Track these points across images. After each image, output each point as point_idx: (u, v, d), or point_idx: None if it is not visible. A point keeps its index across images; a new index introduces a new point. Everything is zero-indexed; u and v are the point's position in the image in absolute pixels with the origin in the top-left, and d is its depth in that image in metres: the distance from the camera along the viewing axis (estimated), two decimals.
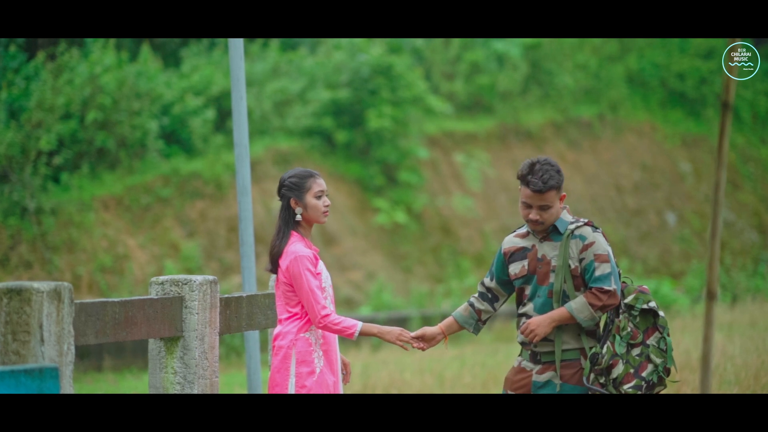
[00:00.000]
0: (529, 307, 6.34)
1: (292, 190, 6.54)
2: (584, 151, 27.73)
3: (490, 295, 6.57)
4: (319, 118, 23.38)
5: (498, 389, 11.50)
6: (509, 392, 6.39)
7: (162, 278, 6.34)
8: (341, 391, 6.57)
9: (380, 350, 17.32)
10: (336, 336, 6.56)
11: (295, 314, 6.44)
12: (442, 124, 25.79)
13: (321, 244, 21.41)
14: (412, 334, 6.57)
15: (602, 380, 6.20)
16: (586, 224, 6.35)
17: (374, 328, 6.49)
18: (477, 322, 6.60)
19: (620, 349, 6.20)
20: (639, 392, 6.16)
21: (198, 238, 20.42)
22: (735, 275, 25.23)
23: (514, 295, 6.67)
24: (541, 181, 6.26)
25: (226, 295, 6.72)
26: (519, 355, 6.45)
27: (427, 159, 24.69)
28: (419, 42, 26.64)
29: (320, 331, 6.46)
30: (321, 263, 6.53)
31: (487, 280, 6.58)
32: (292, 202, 6.53)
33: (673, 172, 28.88)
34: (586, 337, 6.28)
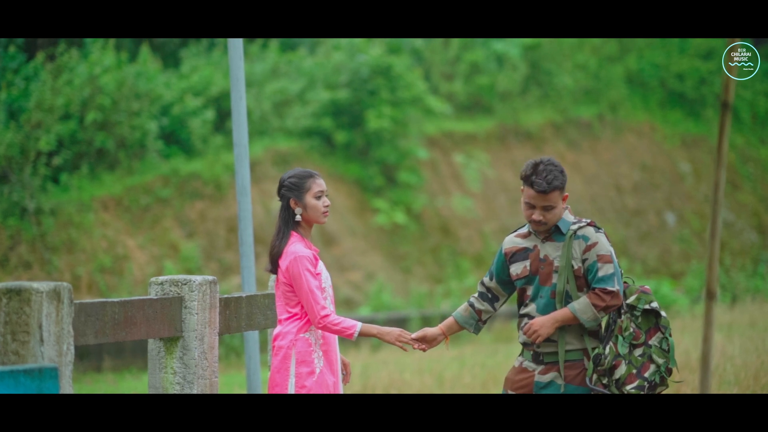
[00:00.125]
0: (531, 308, 6.32)
1: (291, 190, 6.53)
2: (584, 151, 27.74)
3: (490, 295, 6.56)
4: (319, 119, 23.38)
5: (498, 389, 11.50)
6: (509, 392, 6.37)
7: (161, 278, 6.34)
8: (341, 392, 6.57)
9: (380, 351, 17.32)
10: (336, 336, 6.56)
11: (295, 314, 6.44)
12: (442, 124, 25.79)
13: (320, 245, 21.40)
14: (413, 335, 6.57)
15: (605, 381, 6.18)
16: (588, 224, 6.33)
17: (374, 328, 6.49)
18: (477, 322, 6.59)
19: (623, 349, 6.19)
20: (641, 392, 6.16)
21: (197, 239, 20.41)
22: (734, 275, 25.23)
23: (514, 295, 6.65)
24: (545, 182, 6.23)
25: (226, 296, 6.72)
26: (520, 356, 6.42)
27: (426, 159, 24.69)
28: (419, 42, 26.64)
29: (320, 331, 6.45)
30: (321, 263, 6.52)
31: (486, 280, 6.56)
32: (292, 203, 6.53)
33: (672, 172, 28.88)
34: (588, 337, 6.27)
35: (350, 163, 23.68)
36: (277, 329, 6.49)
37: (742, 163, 29.82)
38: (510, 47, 27.40)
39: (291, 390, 6.39)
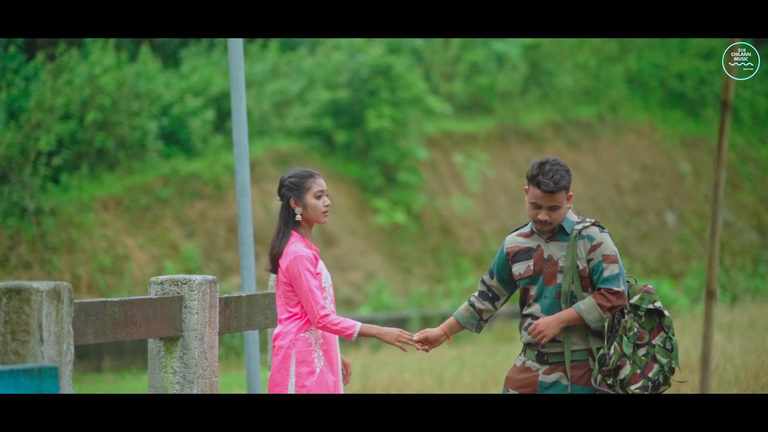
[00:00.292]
0: (535, 308, 6.29)
1: (291, 190, 6.53)
2: (584, 151, 27.74)
3: (490, 294, 6.53)
4: (319, 119, 23.38)
5: (498, 389, 11.49)
6: (511, 391, 6.34)
7: (161, 278, 6.34)
8: (341, 391, 6.56)
9: (380, 351, 17.32)
10: (336, 336, 6.56)
11: (295, 314, 6.44)
12: (442, 124, 25.80)
13: (320, 245, 21.40)
14: (415, 337, 6.55)
15: (610, 381, 6.16)
16: (593, 224, 6.30)
17: (373, 329, 6.49)
18: (479, 321, 6.58)
19: (627, 349, 6.17)
20: (646, 392, 6.15)
21: (197, 239, 20.41)
22: (734, 275, 25.23)
23: (514, 294, 6.64)
24: (552, 182, 6.20)
25: (226, 295, 6.72)
26: (522, 355, 6.38)
27: (426, 159, 24.69)
28: (418, 42, 26.64)
29: (320, 331, 6.45)
30: (321, 263, 6.52)
31: (487, 278, 6.53)
32: (292, 202, 6.53)
33: (672, 172, 28.88)
34: (593, 337, 6.24)
35: (350, 163, 23.68)
36: (278, 329, 6.49)
37: (742, 163, 29.82)
38: (510, 47, 27.40)
39: (291, 390, 6.39)
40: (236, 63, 8.45)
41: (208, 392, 6.34)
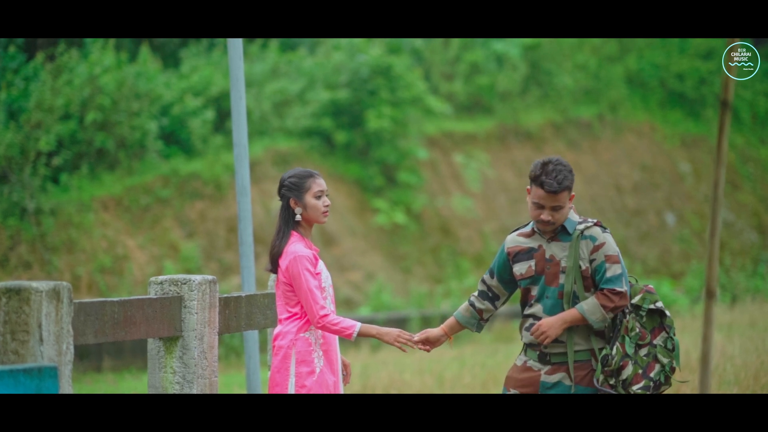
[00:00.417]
0: (537, 308, 6.28)
1: (291, 190, 6.53)
2: (584, 151, 27.74)
3: (490, 294, 6.52)
4: (319, 119, 23.38)
5: (498, 389, 11.49)
6: (512, 390, 6.31)
7: (161, 278, 6.34)
8: (341, 391, 6.56)
9: (380, 351, 17.32)
10: (336, 336, 6.56)
11: (295, 314, 6.44)
12: (442, 124, 25.80)
13: (320, 245, 21.40)
14: (416, 337, 6.55)
15: (612, 381, 6.16)
16: (595, 224, 6.29)
17: (373, 329, 6.49)
18: (479, 321, 6.57)
19: (630, 349, 6.17)
20: (647, 393, 6.14)
21: (197, 239, 20.42)
22: (734, 276, 25.22)
23: (515, 294, 6.63)
24: (556, 182, 6.18)
25: (225, 295, 6.72)
26: (523, 354, 6.36)
27: (426, 159, 24.69)
28: (418, 42, 26.64)
29: (320, 330, 6.45)
30: (321, 263, 6.52)
31: (487, 278, 6.52)
32: (292, 202, 6.53)
33: (672, 172, 28.88)
34: (595, 337, 6.23)
35: (350, 163, 23.68)
36: (278, 329, 6.49)
37: (742, 163, 29.82)
38: (510, 47, 27.40)
39: (291, 390, 6.39)
40: (236, 63, 8.45)
41: (208, 392, 6.34)
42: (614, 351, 6.15)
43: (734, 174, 29.36)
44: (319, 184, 6.54)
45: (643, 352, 6.20)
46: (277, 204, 6.72)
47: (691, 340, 13.18)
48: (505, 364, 13.46)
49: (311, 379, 6.39)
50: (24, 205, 18.40)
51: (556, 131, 27.77)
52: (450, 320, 6.61)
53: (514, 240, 6.42)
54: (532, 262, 6.31)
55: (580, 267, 6.22)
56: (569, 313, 6.18)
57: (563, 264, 6.24)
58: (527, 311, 6.33)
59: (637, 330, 6.21)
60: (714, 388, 9.66)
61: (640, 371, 6.17)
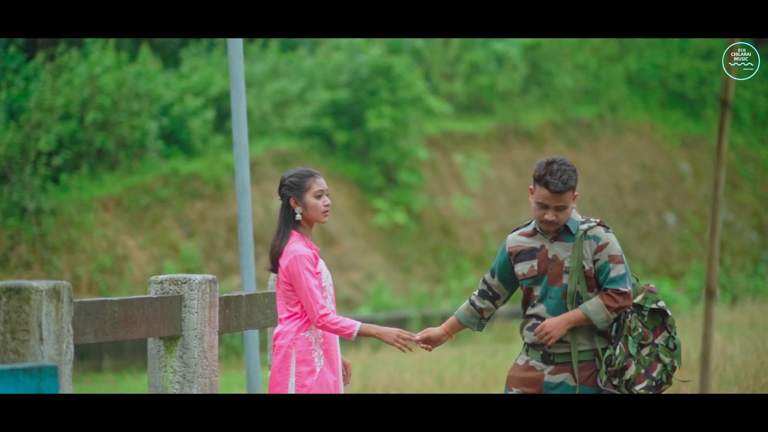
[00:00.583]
0: (540, 309, 6.26)
1: (291, 189, 6.54)
2: (584, 151, 27.74)
3: (491, 293, 6.51)
4: (319, 119, 23.39)
5: (498, 389, 11.49)
6: (514, 390, 6.28)
7: (161, 277, 6.34)
8: (342, 391, 6.56)
9: (380, 351, 17.32)
10: (337, 335, 6.56)
11: (295, 313, 6.44)
12: (442, 124, 25.80)
13: (320, 245, 21.40)
14: (417, 336, 6.55)
15: (615, 382, 6.15)
16: (598, 224, 6.27)
17: (373, 328, 6.49)
18: (480, 320, 6.56)
19: (633, 349, 6.16)
20: (650, 392, 6.14)
21: (197, 239, 20.42)
22: (735, 276, 25.22)
23: (515, 293, 6.62)
24: (560, 182, 6.16)
25: (226, 294, 6.72)
26: (524, 354, 6.34)
27: (426, 159, 24.69)
28: (419, 42, 26.64)
29: (320, 330, 6.46)
30: (321, 262, 6.52)
31: (488, 277, 6.50)
32: (292, 202, 6.53)
33: (672, 172, 28.89)
34: (598, 337, 6.21)
35: (350, 163, 23.69)
36: (278, 328, 6.49)
37: (742, 163, 29.83)
38: (510, 47, 27.40)
39: (291, 389, 6.39)
40: (236, 63, 8.45)
41: (208, 392, 6.34)
42: (617, 351, 6.13)
43: (734, 174, 29.36)
44: (320, 183, 6.55)
45: (645, 351, 6.19)
46: (277, 204, 6.73)
47: (692, 340, 13.18)
48: (505, 364, 13.46)
49: (311, 378, 6.39)
50: (24, 204, 18.40)
51: (556, 131, 27.77)
52: (451, 319, 6.61)
53: (515, 240, 6.40)
54: (535, 262, 6.29)
55: (583, 267, 6.20)
56: (573, 314, 6.16)
57: (566, 264, 6.22)
58: (530, 311, 6.31)
59: (640, 330, 6.20)
60: (714, 388, 9.66)
61: (643, 371, 6.16)
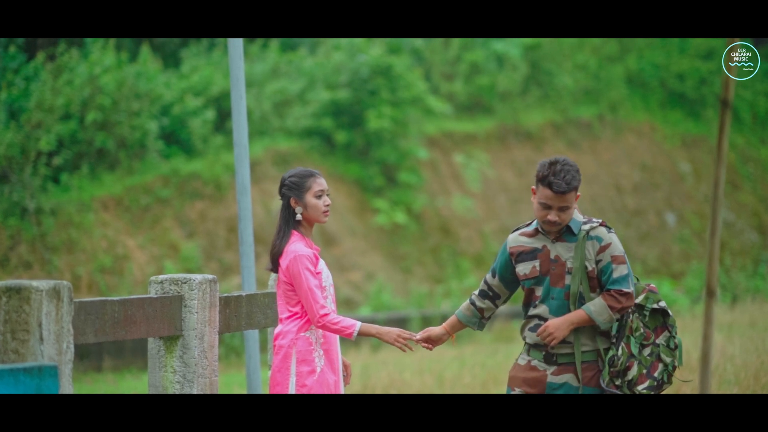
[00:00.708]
0: (542, 309, 6.24)
1: (292, 189, 6.54)
2: (584, 151, 27.74)
3: (491, 293, 6.50)
4: (319, 119, 23.39)
5: (498, 389, 11.49)
6: (517, 390, 6.25)
7: (161, 277, 6.34)
8: (342, 391, 6.56)
9: (380, 351, 17.32)
10: (337, 335, 6.56)
11: (296, 313, 6.44)
12: (442, 124, 25.80)
13: (320, 245, 21.40)
14: (417, 336, 6.55)
15: (618, 382, 6.14)
16: (600, 225, 6.26)
17: (373, 328, 6.49)
18: (480, 319, 6.55)
19: (635, 350, 6.16)
20: (652, 393, 6.13)
21: (197, 239, 20.42)
22: (735, 276, 25.22)
23: (514, 293, 6.61)
24: (564, 182, 6.14)
25: (226, 294, 6.72)
26: (526, 354, 6.32)
27: (426, 159, 24.69)
28: (419, 42, 26.64)
29: (321, 330, 6.46)
30: (322, 262, 6.53)
31: (489, 277, 6.48)
32: (292, 202, 6.54)
33: (672, 172, 28.89)
34: (600, 337, 6.20)
35: (350, 163, 23.69)
36: (278, 328, 6.49)
37: (742, 163, 29.83)
38: (510, 47, 27.40)
39: (292, 389, 6.39)
40: (236, 63, 8.46)
41: (208, 392, 6.34)
42: (620, 352, 6.13)
43: (734, 174, 29.36)
44: (320, 183, 6.55)
45: (647, 351, 6.19)
46: (277, 204, 6.73)
47: (692, 339, 13.18)
48: (505, 364, 13.46)
49: (312, 378, 6.39)
50: (24, 204, 18.40)
51: (556, 131, 27.77)
52: (451, 319, 6.61)
53: (516, 240, 6.38)
54: (537, 263, 6.27)
55: (586, 268, 6.18)
56: (576, 315, 6.15)
57: (569, 265, 6.20)
58: (532, 312, 6.29)
59: (642, 330, 6.19)
60: (714, 388, 9.66)
61: (645, 371, 6.16)
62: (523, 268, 6.32)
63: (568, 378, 6.19)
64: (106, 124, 20.00)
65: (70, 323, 5.09)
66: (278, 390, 6.42)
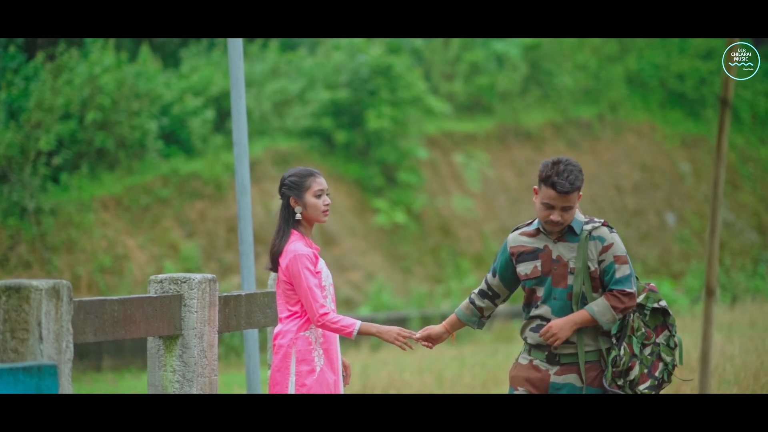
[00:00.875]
0: (545, 310, 6.23)
1: (291, 188, 6.54)
2: (584, 151, 27.74)
3: (490, 293, 6.49)
4: (319, 119, 23.39)
5: (498, 389, 11.49)
6: (519, 389, 6.23)
7: (161, 276, 6.34)
8: (342, 390, 6.56)
9: (379, 350, 17.32)
10: (337, 335, 6.56)
11: (295, 313, 6.44)
12: (442, 124, 25.80)
13: (320, 245, 21.37)
14: (417, 334, 6.55)
15: (620, 382, 6.14)
16: (602, 225, 6.25)
17: (373, 327, 6.49)
18: (480, 318, 6.55)
19: (636, 349, 6.16)
20: (653, 392, 6.13)
21: (197, 239, 20.42)
22: (734, 275, 25.22)
23: (514, 293, 6.60)
24: (568, 182, 6.12)
25: (225, 294, 6.72)
26: (527, 354, 6.31)
27: (426, 159, 24.69)
28: (419, 42, 26.65)
29: (320, 329, 6.46)
30: (321, 262, 6.53)
31: (489, 277, 6.47)
32: (292, 201, 6.54)
33: (672, 172, 28.89)
34: (602, 337, 6.20)
35: (350, 163, 23.69)
36: (278, 327, 6.50)
37: (742, 163, 29.83)
38: (510, 47, 27.40)
39: (291, 389, 6.39)
40: (236, 63, 8.46)
41: (208, 391, 6.34)
42: (622, 352, 6.12)
43: (734, 174, 29.36)
44: (320, 183, 6.55)
45: (647, 351, 6.19)
46: (277, 203, 6.73)
47: (691, 339, 13.18)
48: (505, 363, 13.46)
49: (311, 377, 6.39)
50: (24, 204, 18.40)
51: (556, 131, 27.77)
52: (451, 317, 6.61)
53: (517, 239, 6.36)
54: (538, 263, 6.26)
55: (588, 268, 6.17)
56: (579, 315, 6.14)
57: (571, 265, 6.18)
58: (534, 312, 6.27)
59: (643, 330, 6.19)
60: (714, 388, 9.66)
61: (646, 371, 6.16)
62: (524, 268, 6.30)
63: (571, 378, 6.18)
64: (106, 123, 20.01)
65: (70, 322, 5.09)
66: (278, 389, 6.42)
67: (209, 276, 6.43)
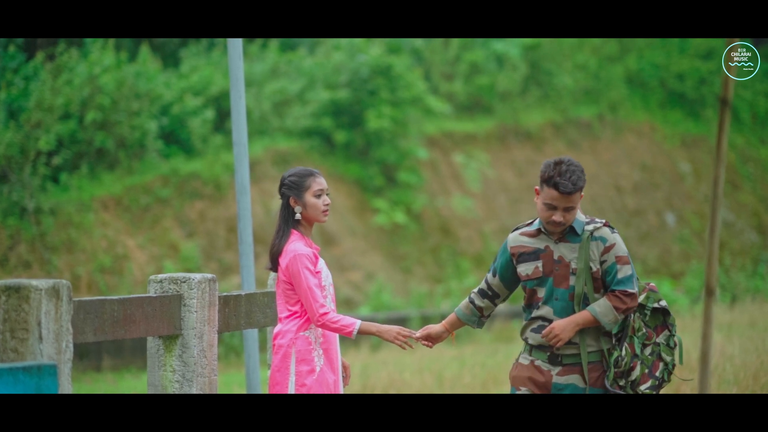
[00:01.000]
0: (546, 310, 6.22)
1: (291, 188, 6.54)
2: (584, 151, 27.74)
3: (490, 293, 6.48)
4: (319, 119, 23.39)
5: (498, 389, 11.49)
6: (522, 389, 6.22)
7: (161, 276, 6.34)
8: (341, 390, 6.56)
9: (379, 350, 17.32)
10: (337, 334, 6.56)
11: (295, 312, 6.44)
12: (442, 124, 25.80)
13: (320, 245, 21.37)
14: (417, 333, 6.55)
15: (622, 383, 6.13)
16: (603, 225, 6.25)
17: (373, 326, 6.49)
18: (480, 318, 6.55)
19: (638, 349, 6.16)
20: (654, 392, 6.13)
21: (197, 239, 20.42)
22: (734, 275, 25.22)
23: (514, 293, 6.60)
24: (570, 183, 6.11)
25: (225, 293, 6.72)
26: (527, 354, 6.30)
27: (426, 159, 24.69)
28: (418, 42, 26.65)
29: (320, 329, 6.46)
30: (321, 261, 6.53)
31: (489, 276, 6.46)
32: (292, 201, 6.54)
33: (672, 172, 28.89)
34: (603, 337, 6.19)
35: (350, 163, 23.69)
36: (278, 327, 6.50)
37: (742, 163, 29.83)
38: (510, 47, 27.40)
39: (291, 388, 6.39)
40: (236, 63, 8.46)
41: (208, 391, 6.34)
42: (624, 352, 6.12)
43: (734, 174, 29.36)
44: (319, 183, 6.55)
45: (648, 351, 6.19)
46: (277, 203, 6.74)
47: (691, 339, 13.18)
48: (505, 363, 13.46)
49: (311, 377, 6.39)
50: (24, 204, 18.40)
51: (556, 131, 27.77)
52: (451, 316, 6.61)
53: (517, 240, 6.35)
54: (539, 263, 6.24)
55: (590, 269, 6.17)
56: (581, 316, 6.13)
57: (573, 265, 6.17)
58: (536, 313, 6.25)
59: (644, 330, 6.19)
60: (714, 388, 9.66)
61: (647, 371, 6.16)
62: (525, 269, 6.29)
63: (574, 379, 6.17)
64: (106, 123, 20.01)
65: (70, 322, 5.09)
66: (278, 389, 6.42)
67: (209, 276, 6.43)
